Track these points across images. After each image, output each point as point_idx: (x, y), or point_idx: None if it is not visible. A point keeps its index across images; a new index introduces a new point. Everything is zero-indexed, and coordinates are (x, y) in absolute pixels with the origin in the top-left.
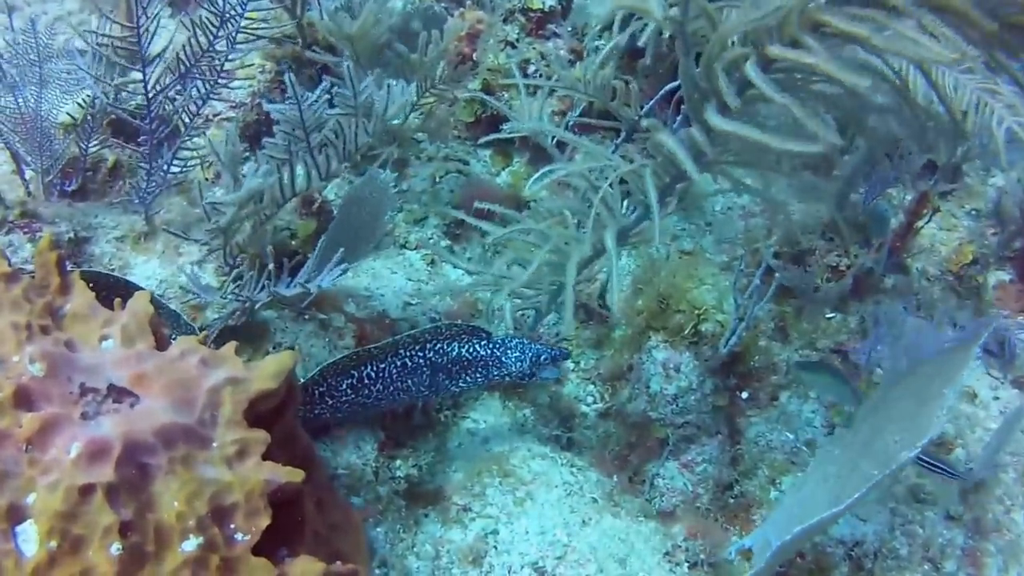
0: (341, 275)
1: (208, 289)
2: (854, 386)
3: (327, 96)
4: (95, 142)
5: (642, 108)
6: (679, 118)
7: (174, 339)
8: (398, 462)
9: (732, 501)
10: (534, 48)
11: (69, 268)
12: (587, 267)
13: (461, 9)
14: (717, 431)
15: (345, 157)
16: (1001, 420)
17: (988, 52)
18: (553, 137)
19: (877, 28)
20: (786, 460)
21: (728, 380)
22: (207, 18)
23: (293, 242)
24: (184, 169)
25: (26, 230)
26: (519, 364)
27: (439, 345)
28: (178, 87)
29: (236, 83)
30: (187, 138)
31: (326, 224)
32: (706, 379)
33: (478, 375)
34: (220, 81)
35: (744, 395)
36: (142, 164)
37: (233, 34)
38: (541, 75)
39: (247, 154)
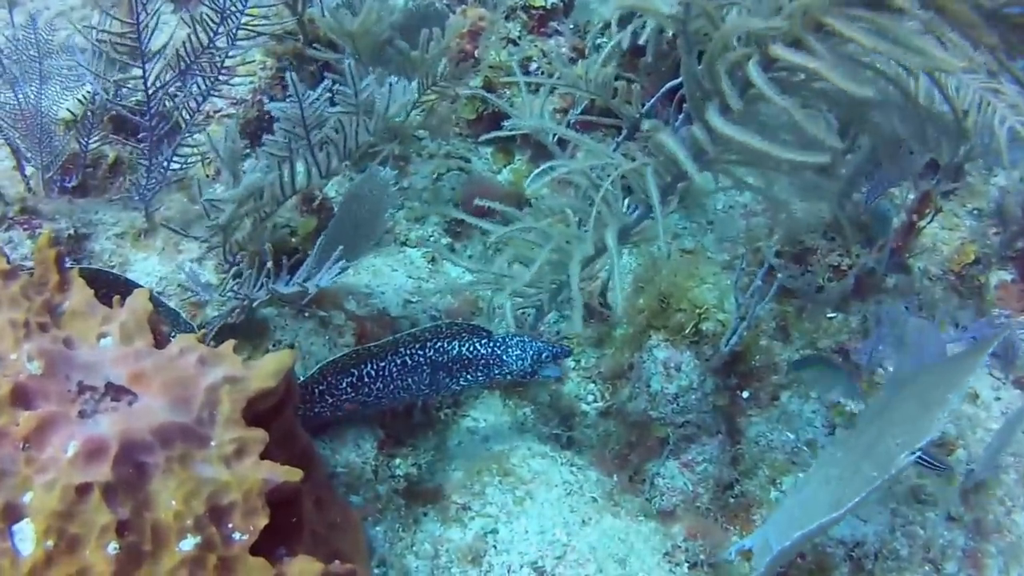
0: (340, 273)
1: (207, 287)
2: (848, 375)
3: (328, 94)
4: (95, 138)
5: (643, 106)
6: (681, 116)
7: (173, 337)
8: (397, 460)
9: (732, 501)
10: (536, 46)
11: (68, 265)
12: (588, 266)
13: (463, 6)
14: (718, 430)
15: (346, 155)
16: (1003, 421)
17: (991, 53)
18: (554, 135)
19: (881, 33)
20: (787, 460)
21: (729, 379)
22: (207, 14)
23: (293, 239)
24: (184, 166)
25: (26, 226)
26: (520, 362)
27: (440, 343)
28: (178, 83)
29: (237, 80)
30: (187, 135)
31: (326, 221)
32: (707, 378)
33: (479, 373)
34: (221, 78)
35: (745, 395)
36: (142, 161)
37: (234, 30)
38: (543, 73)
39: (247, 151)
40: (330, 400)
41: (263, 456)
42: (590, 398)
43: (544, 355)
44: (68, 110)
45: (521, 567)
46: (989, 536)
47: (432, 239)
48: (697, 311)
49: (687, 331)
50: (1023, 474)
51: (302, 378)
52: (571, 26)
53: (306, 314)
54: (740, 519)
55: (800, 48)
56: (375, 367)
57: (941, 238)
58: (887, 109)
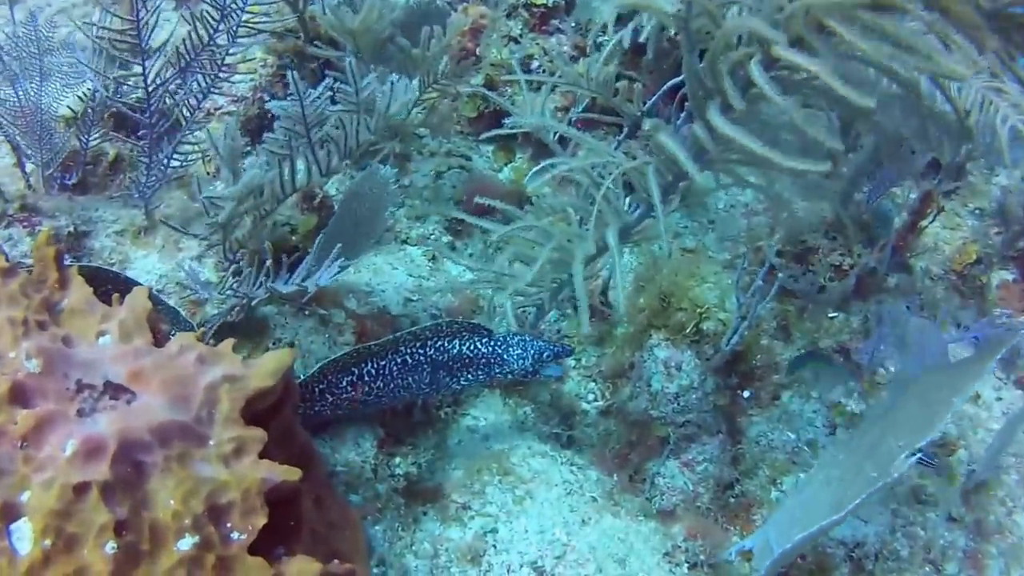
0: (340, 272)
1: (207, 285)
2: (846, 370)
3: (329, 92)
4: (96, 136)
5: (645, 104)
6: (683, 115)
7: (173, 335)
8: (397, 459)
9: (733, 501)
10: (537, 44)
11: (67, 263)
12: (590, 264)
13: (464, 4)
14: (718, 430)
15: (346, 153)
16: (1004, 421)
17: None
18: (555, 133)
19: (885, 37)
20: (787, 460)
21: (730, 379)
22: (208, 11)
23: (294, 237)
24: (184, 163)
25: (26, 224)
26: (521, 361)
27: (440, 342)
28: (179, 81)
29: (237, 77)
30: (188, 132)
31: (327, 219)
32: (707, 378)
33: (480, 372)
34: (221, 75)
35: (746, 394)
36: (142, 158)
37: (234, 28)
38: (544, 71)
39: (248, 149)
40: (330, 399)
41: (262, 455)
42: (591, 397)
43: (545, 354)
44: (68, 107)
45: (521, 567)
46: (990, 537)
47: (433, 237)
48: (698, 310)
49: (688, 330)
50: None
51: (302, 377)
52: (573, 24)
53: (306, 312)
54: (740, 519)
55: (803, 46)
56: (375, 366)
57: (943, 238)
58: (890, 107)
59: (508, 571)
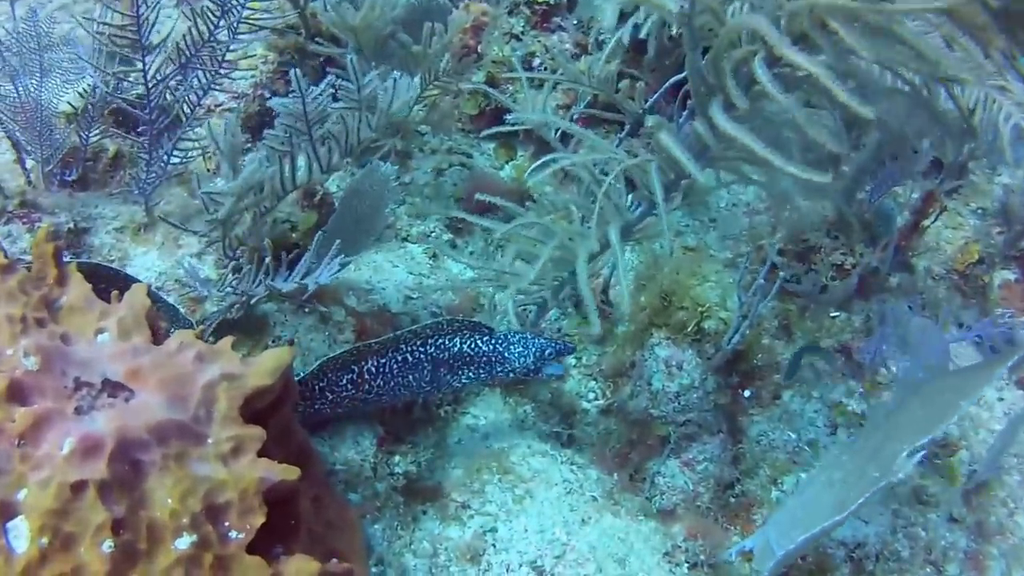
0: (341, 269)
1: (206, 282)
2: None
3: (331, 90)
4: (96, 132)
5: (646, 102)
6: (685, 113)
7: (172, 333)
8: (397, 458)
9: (733, 500)
10: (539, 41)
11: (66, 259)
12: (592, 262)
13: (466, 1)
14: (719, 429)
15: (347, 151)
16: (1005, 422)
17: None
18: (557, 130)
19: (890, 39)
20: (788, 460)
21: (730, 378)
22: (209, 7)
23: (294, 235)
24: (184, 160)
25: (25, 220)
26: (523, 359)
27: (441, 340)
28: (179, 77)
29: (238, 74)
30: (188, 128)
31: (327, 217)
32: (708, 377)
33: (481, 371)
34: (221, 71)
35: (746, 393)
36: (142, 155)
37: (235, 24)
38: (546, 69)
39: (248, 146)
40: (330, 397)
41: (260, 454)
42: (591, 396)
43: (547, 352)
44: (69, 103)
45: (520, 566)
46: (991, 538)
47: (433, 235)
48: (699, 309)
49: (689, 329)
50: None
51: (302, 374)
52: (575, 22)
53: (306, 310)
54: (741, 519)
55: (806, 43)
56: (376, 363)
57: (945, 237)
58: (894, 103)
59: (507, 570)
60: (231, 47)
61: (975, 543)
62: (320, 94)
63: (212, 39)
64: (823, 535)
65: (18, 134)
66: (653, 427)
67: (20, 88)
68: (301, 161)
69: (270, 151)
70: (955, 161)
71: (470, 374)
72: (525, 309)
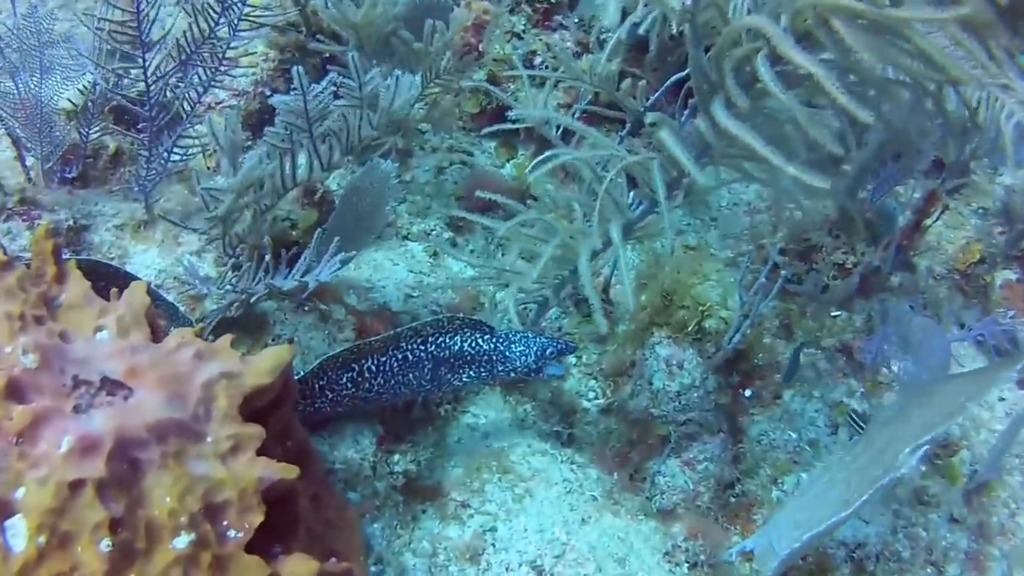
0: (341, 267)
1: (206, 280)
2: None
3: (333, 88)
4: (96, 129)
5: (648, 100)
6: (686, 111)
7: (171, 331)
8: (396, 457)
9: (733, 500)
10: (540, 39)
11: (66, 256)
12: (593, 260)
13: None
14: (719, 429)
15: (348, 149)
16: (1007, 422)
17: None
18: (558, 128)
19: (894, 39)
20: (789, 459)
21: (731, 377)
22: (209, 4)
23: (294, 232)
24: (185, 157)
25: (25, 217)
26: (524, 358)
27: (441, 339)
28: (179, 74)
29: (239, 71)
30: (188, 126)
31: (327, 215)
32: (709, 376)
33: (482, 370)
34: (222, 68)
35: (747, 393)
36: (142, 152)
37: (235, 21)
38: (547, 67)
39: (248, 143)
40: (330, 395)
41: (259, 452)
42: (591, 395)
43: (549, 351)
44: (69, 100)
45: (520, 566)
46: (992, 539)
47: (434, 233)
48: (700, 308)
49: (690, 328)
50: None
51: (302, 373)
52: (576, 20)
53: (306, 308)
54: (741, 519)
55: (810, 40)
56: (376, 362)
57: (946, 237)
58: (899, 100)
59: (507, 570)
60: (232, 44)
61: (976, 544)
62: (322, 92)
63: (213, 36)
64: (827, 533)
65: (18, 131)
66: (653, 426)
67: (20, 85)
68: (302, 159)
69: (271, 148)
70: (957, 160)
71: (471, 373)
72: (526, 308)
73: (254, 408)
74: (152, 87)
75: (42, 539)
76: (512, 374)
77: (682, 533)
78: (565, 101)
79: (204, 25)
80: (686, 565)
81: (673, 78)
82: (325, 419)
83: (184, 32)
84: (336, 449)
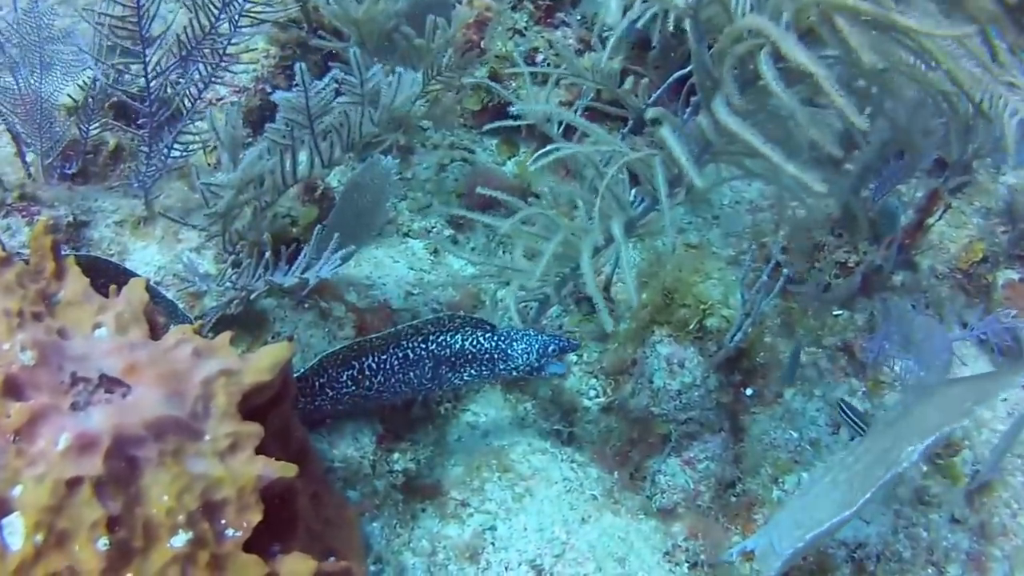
0: (341, 264)
1: (205, 277)
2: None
3: (335, 85)
4: (96, 125)
5: (650, 98)
6: (688, 109)
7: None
8: (396, 455)
9: (734, 499)
10: (542, 37)
11: (65, 252)
12: (594, 258)
13: None
14: (720, 428)
15: (349, 145)
16: (1009, 422)
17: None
18: (560, 125)
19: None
20: (790, 459)
21: (732, 376)
22: (209, 0)
23: (294, 229)
24: (185, 153)
25: (24, 213)
26: (526, 356)
27: (442, 337)
28: (180, 70)
29: (239, 67)
30: (188, 122)
31: (328, 212)
32: (710, 375)
33: (483, 369)
34: (222, 64)
35: (748, 392)
36: (142, 148)
37: (236, 17)
38: (549, 64)
39: (249, 140)
40: (330, 393)
41: (258, 451)
42: (592, 393)
43: (551, 349)
44: (69, 96)
45: (519, 565)
46: (994, 539)
47: (435, 231)
48: (701, 307)
49: (691, 327)
50: None
51: (302, 371)
52: (578, 17)
53: (306, 305)
54: (742, 518)
55: (813, 37)
56: (376, 360)
57: (949, 236)
58: (900, 100)
59: (506, 569)
60: (232, 40)
61: (977, 544)
62: (324, 88)
63: (213, 32)
64: (829, 533)
65: (18, 127)
66: (654, 425)
67: (21, 80)
68: (303, 155)
69: (271, 144)
70: (960, 159)
71: (472, 371)
72: (526, 305)
73: (253, 406)
74: (152, 83)
75: (39, 537)
76: (514, 372)
77: (682, 532)
78: (567, 99)
79: (205, 21)
80: (686, 565)
81: (675, 75)
82: (325, 417)
83: (185, 28)
84: (335, 447)
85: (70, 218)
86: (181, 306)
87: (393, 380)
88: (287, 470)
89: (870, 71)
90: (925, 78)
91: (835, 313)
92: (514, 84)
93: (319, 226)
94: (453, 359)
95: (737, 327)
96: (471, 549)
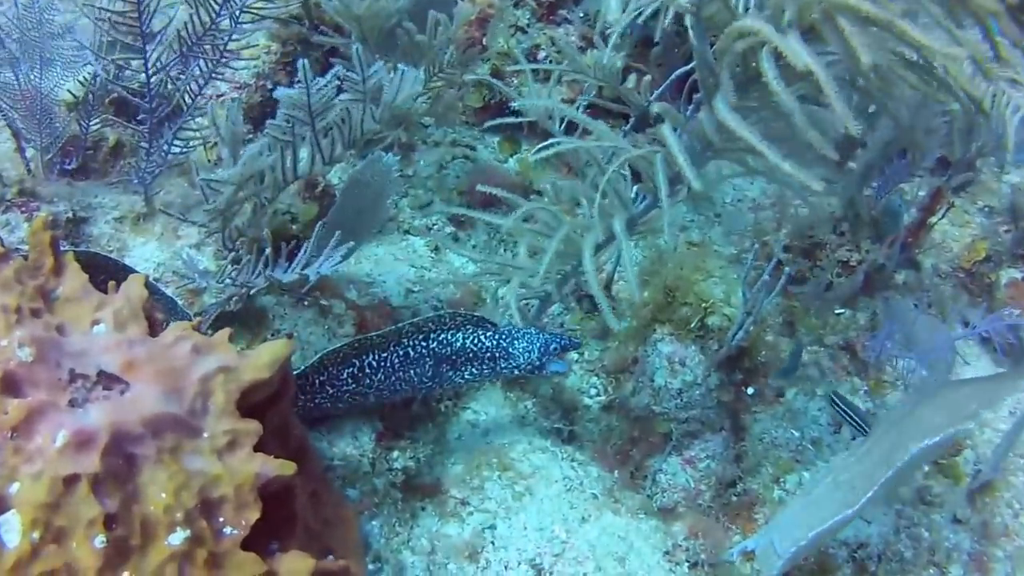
0: (342, 260)
1: (205, 273)
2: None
3: (337, 82)
4: (96, 120)
5: (652, 95)
6: (691, 107)
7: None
8: (396, 453)
9: (735, 499)
10: (544, 33)
11: (64, 248)
12: (596, 255)
13: None
14: (721, 427)
15: (350, 143)
16: (1012, 421)
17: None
18: (562, 122)
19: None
20: (791, 458)
21: (734, 375)
22: None
23: (294, 226)
24: (185, 150)
25: (23, 209)
26: (527, 355)
27: (443, 335)
28: (180, 66)
29: (240, 64)
30: (189, 118)
31: (328, 209)
32: (711, 373)
33: (484, 367)
34: (223, 61)
35: (750, 391)
36: (142, 144)
37: (237, 13)
38: (551, 62)
39: (250, 136)
40: (330, 391)
41: (257, 448)
42: (593, 392)
43: (552, 347)
44: (69, 91)
45: (519, 564)
46: (996, 539)
47: (436, 228)
48: (703, 305)
49: (692, 325)
50: None
51: (302, 368)
52: (581, 15)
53: (305, 303)
54: (742, 518)
55: (814, 34)
56: (377, 357)
57: (952, 235)
58: (902, 99)
59: (506, 568)
60: (233, 36)
61: (979, 544)
62: (326, 85)
63: (214, 28)
64: (831, 533)
65: (18, 122)
66: (655, 424)
67: (21, 76)
68: (303, 152)
69: (272, 140)
70: (963, 158)
71: (473, 370)
72: (527, 303)
73: (252, 403)
74: (153, 79)
75: (36, 535)
76: (515, 371)
77: (683, 532)
78: (569, 96)
79: (205, 17)
80: (686, 564)
81: (678, 72)
82: (325, 415)
83: (185, 24)
84: (335, 445)
85: (69, 214)
86: (180, 303)
87: (393, 378)
88: (285, 468)
89: (870, 70)
90: (926, 87)
91: (837, 312)
92: (516, 81)
93: (320, 223)
94: (454, 357)
95: (739, 326)
96: (471, 548)
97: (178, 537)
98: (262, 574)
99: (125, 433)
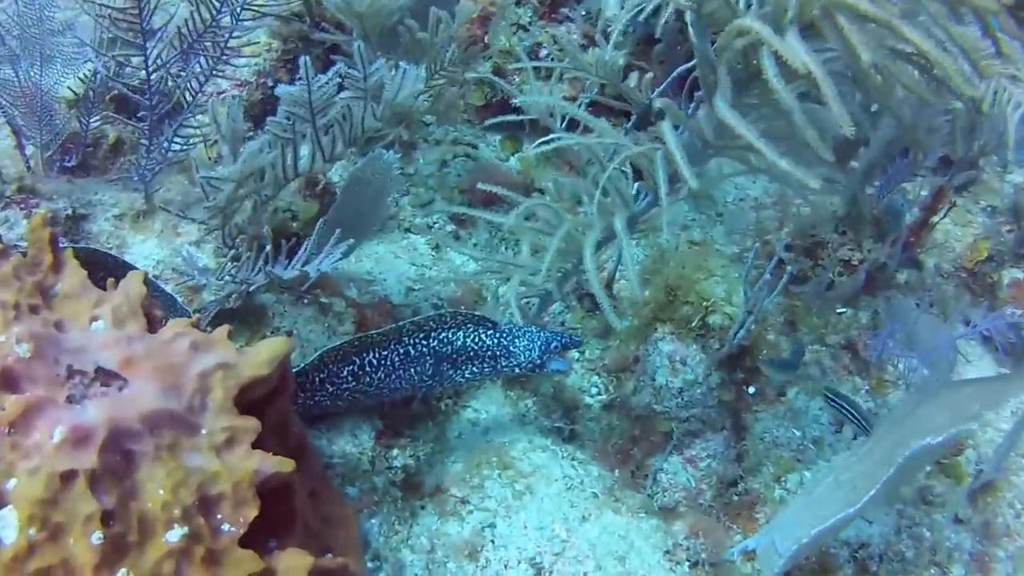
0: (342, 258)
1: (204, 270)
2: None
3: (338, 79)
4: (96, 117)
5: (653, 92)
6: (692, 105)
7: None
8: (395, 452)
9: (736, 498)
10: (546, 32)
11: (63, 245)
12: (597, 253)
13: None
14: (723, 426)
15: (351, 141)
16: (1013, 421)
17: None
18: (563, 119)
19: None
20: (792, 457)
21: (735, 374)
22: None
23: (294, 224)
24: (185, 147)
25: (23, 206)
26: (528, 353)
27: (444, 334)
28: (181, 63)
29: (241, 62)
30: (189, 115)
31: (329, 207)
32: (712, 373)
33: (485, 366)
34: (224, 58)
35: (751, 390)
36: (142, 141)
37: (238, 10)
38: (552, 59)
39: (250, 134)
40: (330, 389)
41: (255, 445)
42: (594, 391)
43: (553, 345)
44: (69, 88)
45: (519, 563)
46: (998, 539)
47: (437, 226)
48: (704, 304)
49: (694, 324)
50: None
51: (302, 366)
52: (582, 13)
53: (305, 300)
54: (743, 517)
55: (814, 31)
56: (377, 355)
57: (954, 234)
58: (904, 98)
59: (506, 567)
60: (234, 33)
61: (981, 544)
62: (327, 82)
63: (215, 25)
64: (832, 532)
65: (18, 119)
66: (656, 423)
67: (21, 73)
68: (304, 150)
69: (272, 138)
70: (965, 157)
71: (474, 369)
72: (528, 302)
73: (251, 400)
74: (153, 76)
75: (33, 531)
76: (516, 369)
77: (683, 531)
78: (570, 94)
79: (206, 14)
80: (687, 564)
81: (679, 70)
82: (324, 413)
83: (186, 21)
84: (334, 443)
85: (69, 211)
86: (180, 300)
87: (394, 376)
88: (284, 465)
89: (870, 68)
90: (922, 89)
91: (839, 311)
92: (517, 79)
93: (320, 221)
94: (455, 356)
95: (740, 325)
96: (470, 547)
97: (176, 534)
98: (260, 571)
99: (123, 429)
